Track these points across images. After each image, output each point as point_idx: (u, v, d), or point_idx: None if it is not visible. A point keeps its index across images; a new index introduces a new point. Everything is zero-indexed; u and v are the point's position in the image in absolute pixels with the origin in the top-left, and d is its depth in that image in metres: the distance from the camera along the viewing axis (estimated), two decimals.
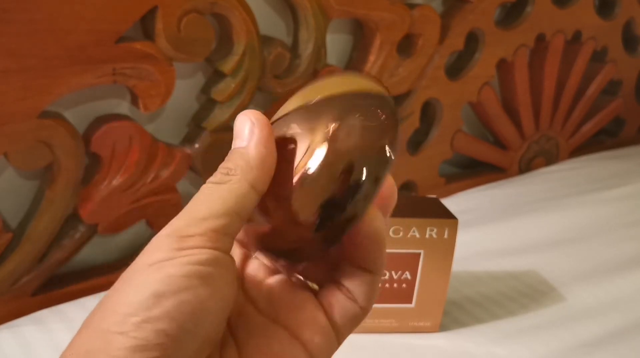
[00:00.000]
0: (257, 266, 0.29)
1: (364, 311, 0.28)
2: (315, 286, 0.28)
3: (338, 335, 0.27)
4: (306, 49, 0.71)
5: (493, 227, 0.80)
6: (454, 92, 0.88)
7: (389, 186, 0.27)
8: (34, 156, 0.58)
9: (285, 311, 0.27)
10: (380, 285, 0.28)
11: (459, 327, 0.60)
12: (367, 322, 0.58)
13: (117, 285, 0.23)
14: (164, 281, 0.22)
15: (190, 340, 0.22)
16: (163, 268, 0.22)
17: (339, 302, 0.27)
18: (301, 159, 0.25)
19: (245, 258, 0.29)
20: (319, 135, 0.24)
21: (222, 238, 0.24)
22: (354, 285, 0.27)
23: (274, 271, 0.29)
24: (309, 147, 0.24)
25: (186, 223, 0.23)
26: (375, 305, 0.60)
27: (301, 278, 0.28)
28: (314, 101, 0.25)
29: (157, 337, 0.21)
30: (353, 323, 0.27)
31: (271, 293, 0.28)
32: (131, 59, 0.60)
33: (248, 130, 0.25)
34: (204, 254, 0.23)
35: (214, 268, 0.23)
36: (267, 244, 0.27)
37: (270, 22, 0.71)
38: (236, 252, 0.29)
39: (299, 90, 0.27)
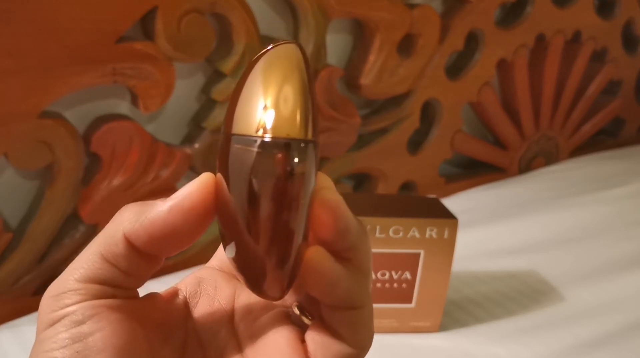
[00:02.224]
0: (253, 302, 0.27)
1: (356, 349, 0.24)
2: (309, 322, 0.26)
3: None
4: (306, 49, 0.71)
5: (493, 227, 0.80)
6: (454, 92, 0.88)
7: (321, 216, 0.23)
8: (34, 156, 0.58)
9: (260, 352, 0.25)
10: (371, 318, 0.25)
11: (459, 327, 0.60)
12: None
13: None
14: None
15: None
16: (44, 345, 0.23)
17: (324, 340, 0.24)
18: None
19: (240, 293, 0.28)
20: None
21: (90, 286, 0.23)
22: (335, 323, 0.24)
23: (268, 309, 0.27)
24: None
25: (63, 279, 0.24)
26: (375, 305, 0.60)
27: (297, 312, 0.26)
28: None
29: None
30: None
31: (256, 331, 0.26)
32: (131, 59, 0.60)
33: (182, 192, 0.23)
34: (78, 311, 0.23)
35: (91, 321, 0.23)
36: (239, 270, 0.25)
37: (270, 22, 0.71)
38: (226, 286, 0.28)
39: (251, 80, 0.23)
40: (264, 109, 0.22)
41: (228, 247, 0.24)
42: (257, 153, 0.22)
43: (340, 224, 0.23)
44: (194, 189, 0.23)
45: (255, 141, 0.22)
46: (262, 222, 0.23)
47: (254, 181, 0.22)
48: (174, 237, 0.23)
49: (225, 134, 0.23)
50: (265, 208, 0.22)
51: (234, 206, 0.23)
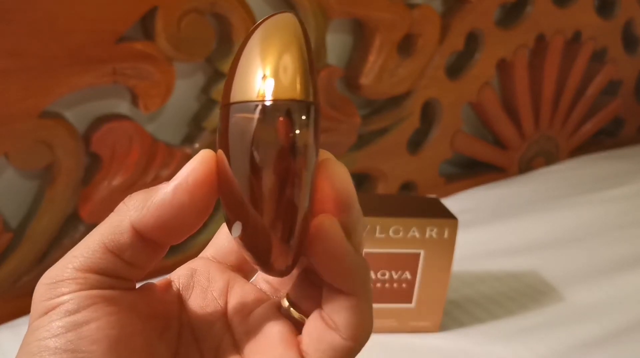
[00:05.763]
0: (247, 294, 0.27)
1: (351, 342, 0.23)
2: (301, 316, 0.25)
3: None
4: None
5: (493, 227, 0.80)
6: (454, 92, 0.88)
7: (327, 189, 0.23)
8: (34, 156, 0.58)
9: (255, 348, 0.25)
10: (369, 312, 0.24)
11: (459, 327, 0.60)
12: None
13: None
14: (41, 348, 0.22)
15: None
16: (36, 334, 0.22)
17: (318, 332, 0.24)
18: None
19: (233, 285, 0.27)
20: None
21: (88, 276, 0.23)
22: (332, 310, 0.23)
23: (261, 301, 0.27)
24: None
25: (60, 266, 0.23)
26: (375, 305, 0.60)
27: (285, 304, 0.25)
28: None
29: None
30: (338, 356, 0.24)
31: (249, 326, 0.25)
32: (131, 59, 0.60)
33: (184, 170, 0.23)
34: (74, 300, 0.22)
35: (87, 311, 0.22)
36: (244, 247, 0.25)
37: None
38: (220, 278, 0.27)
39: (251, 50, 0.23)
40: (264, 77, 0.22)
41: (233, 227, 0.24)
42: (259, 119, 0.22)
43: (343, 196, 0.23)
44: (195, 166, 0.23)
45: (257, 105, 0.22)
46: (266, 191, 0.22)
47: (256, 147, 0.22)
48: (181, 219, 0.23)
49: (224, 106, 0.22)
50: (269, 176, 0.22)
51: (237, 180, 0.22)
